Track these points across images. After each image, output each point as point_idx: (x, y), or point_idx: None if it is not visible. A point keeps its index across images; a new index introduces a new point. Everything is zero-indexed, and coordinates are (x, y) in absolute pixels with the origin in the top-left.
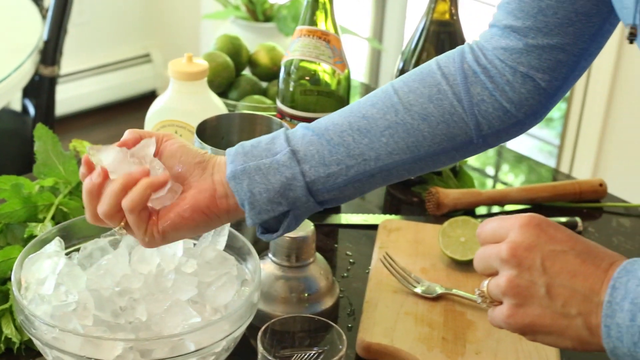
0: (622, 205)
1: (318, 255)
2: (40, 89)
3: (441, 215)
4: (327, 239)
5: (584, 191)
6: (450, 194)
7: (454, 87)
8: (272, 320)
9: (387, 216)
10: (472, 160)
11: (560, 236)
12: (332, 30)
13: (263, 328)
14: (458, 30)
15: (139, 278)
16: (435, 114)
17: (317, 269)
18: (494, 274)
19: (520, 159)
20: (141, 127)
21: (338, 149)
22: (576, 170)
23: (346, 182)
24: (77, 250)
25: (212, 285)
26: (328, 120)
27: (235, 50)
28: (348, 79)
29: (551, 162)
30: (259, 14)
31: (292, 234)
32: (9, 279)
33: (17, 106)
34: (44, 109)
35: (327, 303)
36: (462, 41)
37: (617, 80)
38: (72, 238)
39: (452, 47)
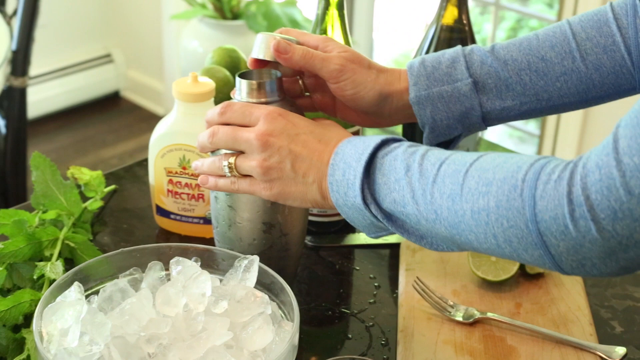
0: None
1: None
2: (11, 100)
3: None
4: (347, 261)
5: None
6: None
7: (626, 40)
8: None
9: None
10: None
11: (302, 123)
12: (343, 41)
13: None
14: (470, 35)
15: (166, 322)
16: (607, 65)
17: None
18: (236, 151)
19: (500, 150)
20: (107, 130)
21: (515, 87)
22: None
23: (517, 115)
24: (96, 292)
25: (248, 327)
26: (506, 52)
27: (233, 63)
28: None
29: (525, 150)
30: (226, 11)
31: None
32: (22, 325)
33: None
34: (15, 120)
35: None
36: None
37: None
38: (88, 280)
39: None
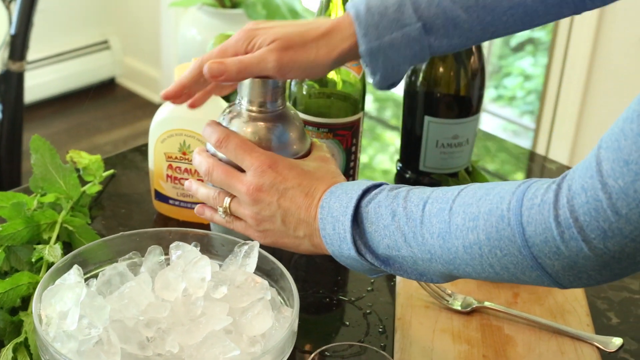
0: None
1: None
2: (8, 84)
3: None
4: None
5: None
6: None
7: None
8: (319, 350)
9: None
10: (475, 157)
11: (290, 174)
12: None
13: (311, 358)
14: None
15: (165, 306)
16: None
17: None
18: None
19: (497, 142)
20: (102, 116)
21: (463, 25)
22: (553, 153)
23: (463, 46)
24: (95, 276)
25: (248, 312)
26: None
27: None
28: (363, 81)
29: (520, 143)
30: (226, 0)
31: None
32: (20, 308)
33: None
34: (12, 104)
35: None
36: None
37: (595, 58)
38: (87, 264)
39: None
